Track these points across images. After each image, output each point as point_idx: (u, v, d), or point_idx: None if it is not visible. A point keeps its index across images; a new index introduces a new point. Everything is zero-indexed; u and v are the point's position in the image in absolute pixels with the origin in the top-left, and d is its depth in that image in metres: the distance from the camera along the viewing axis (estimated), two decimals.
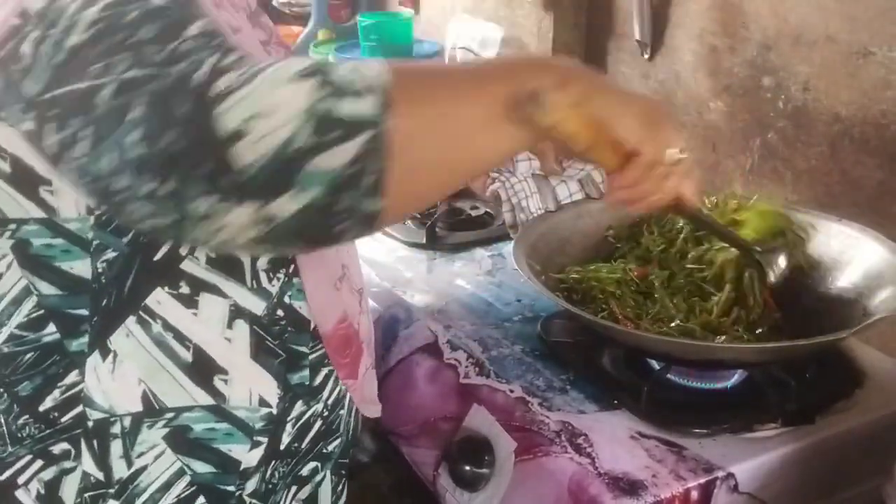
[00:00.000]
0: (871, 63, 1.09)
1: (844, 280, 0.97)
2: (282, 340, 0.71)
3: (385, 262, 1.21)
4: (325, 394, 0.76)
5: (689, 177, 0.72)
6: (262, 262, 0.69)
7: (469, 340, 1.01)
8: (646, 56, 1.44)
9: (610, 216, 1.12)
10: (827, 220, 1.02)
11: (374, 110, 0.51)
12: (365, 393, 0.82)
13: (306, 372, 0.74)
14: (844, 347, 0.98)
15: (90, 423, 0.67)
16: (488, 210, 1.34)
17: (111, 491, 0.68)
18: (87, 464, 0.68)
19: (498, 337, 1.02)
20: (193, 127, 0.49)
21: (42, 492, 0.68)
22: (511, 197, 1.03)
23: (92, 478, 0.68)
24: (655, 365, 0.93)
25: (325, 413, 0.77)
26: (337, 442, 0.80)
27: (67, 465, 0.68)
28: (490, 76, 0.60)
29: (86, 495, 0.68)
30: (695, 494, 0.79)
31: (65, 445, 0.68)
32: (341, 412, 0.79)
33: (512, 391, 0.91)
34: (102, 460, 0.68)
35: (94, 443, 0.68)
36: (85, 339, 0.66)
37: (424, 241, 1.25)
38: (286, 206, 0.50)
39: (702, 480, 0.79)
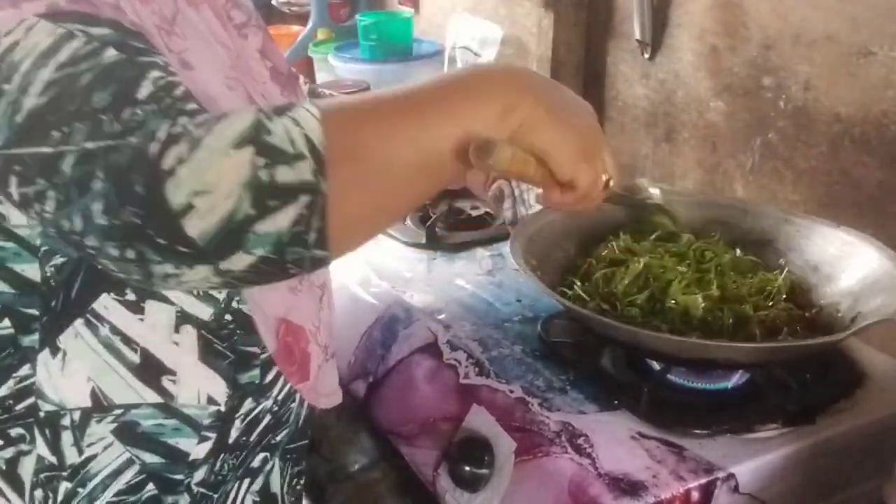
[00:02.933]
0: (872, 63, 1.09)
1: (842, 284, 0.97)
2: (230, 343, 0.74)
3: (385, 262, 1.21)
4: (276, 391, 0.79)
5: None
6: None
7: (469, 340, 1.00)
8: (646, 56, 1.44)
9: (608, 215, 1.12)
10: (826, 225, 1.02)
11: (308, 176, 0.53)
12: (320, 389, 0.84)
13: (256, 371, 0.76)
14: (845, 348, 0.98)
15: (42, 414, 0.70)
16: (488, 210, 1.34)
17: (64, 474, 0.72)
18: (42, 448, 0.71)
19: (498, 337, 1.02)
20: (149, 202, 0.52)
21: (4, 468, 0.72)
22: (515, 188, 1.03)
23: (46, 461, 0.71)
24: (656, 365, 0.92)
25: (275, 408, 0.80)
26: (285, 432, 0.83)
27: (24, 447, 0.71)
28: (434, 115, 0.60)
29: (41, 475, 0.71)
30: (695, 495, 0.79)
31: (20, 431, 0.71)
32: (292, 405, 0.82)
33: (512, 391, 0.91)
34: (55, 446, 0.71)
35: (47, 431, 0.70)
36: (36, 336, 0.68)
37: (424, 241, 1.25)
38: (239, 263, 0.54)
39: (702, 481, 0.79)
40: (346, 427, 1.08)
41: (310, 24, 2.10)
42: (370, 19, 1.86)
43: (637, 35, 1.43)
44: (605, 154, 0.73)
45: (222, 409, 0.74)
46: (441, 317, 1.06)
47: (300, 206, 0.53)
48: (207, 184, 0.52)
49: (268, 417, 0.79)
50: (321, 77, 1.95)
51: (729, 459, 0.81)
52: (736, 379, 0.92)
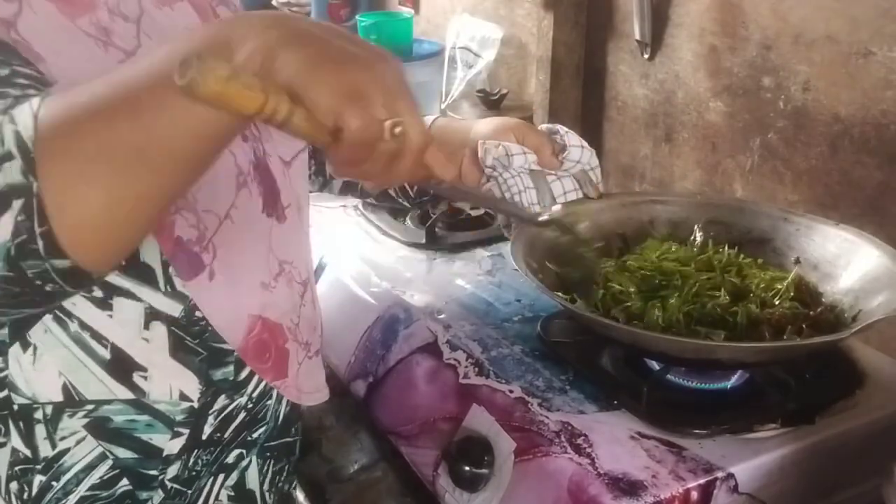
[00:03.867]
0: (872, 63, 1.09)
1: (843, 283, 0.97)
2: (202, 339, 0.73)
3: (385, 262, 1.21)
4: (251, 387, 0.78)
5: (426, 148, 0.56)
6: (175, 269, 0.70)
7: (469, 340, 1.01)
8: (646, 56, 1.44)
9: (609, 216, 1.12)
10: (825, 224, 1.02)
11: (18, 177, 0.49)
12: (303, 385, 0.83)
13: (230, 368, 0.76)
14: (844, 348, 0.98)
15: (15, 407, 0.70)
16: (488, 210, 1.34)
17: (38, 467, 0.72)
18: (16, 441, 0.71)
19: (498, 337, 1.02)
20: None
21: None
22: (504, 192, 1.01)
23: (20, 454, 0.71)
24: (655, 365, 0.92)
25: (250, 405, 0.79)
26: (262, 430, 0.83)
27: None
28: (146, 79, 0.51)
29: (16, 468, 0.72)
30: (694, 495, 0.79)
31: None
32: (268, 402, 0.82)
33: (511, 391, 0.91)
34: (28, 440, 0.71)
35: (21, 424, 0.70)
36: (5, 330, 0.68)
37: (424, 241, 1.25)
38: None
39: (701, 481, 0.79)
40: (346, 427, 1.09)
41: None
42: (370, 20, 1.86)
43: (637, 35, 1.43)
44: (398, 100, 0.53)
45: (195, 405, 0.74)
46: (441, 317, 1.06)
47: (15, 212, 0.49)
48: None
49: (242, 414, 0.79)
50: None
51: (728, 459, 0.81)
52: (735, 379, 0.92)
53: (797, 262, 1.02)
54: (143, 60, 0.52)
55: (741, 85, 1.29)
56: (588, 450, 0.82)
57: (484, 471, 0.85)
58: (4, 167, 0.49)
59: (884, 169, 1.11)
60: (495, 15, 1.78)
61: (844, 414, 0.89)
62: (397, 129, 0.53)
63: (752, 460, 0.82)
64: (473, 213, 1.35)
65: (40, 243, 0.50)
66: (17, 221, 0.49)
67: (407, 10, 2.02)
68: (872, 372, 0.96)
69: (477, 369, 0.95)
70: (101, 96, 0.51)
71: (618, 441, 0.84)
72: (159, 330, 0.71)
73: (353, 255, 1.23)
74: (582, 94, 1.61)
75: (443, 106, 1.79)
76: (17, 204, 0.49)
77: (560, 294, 0.94)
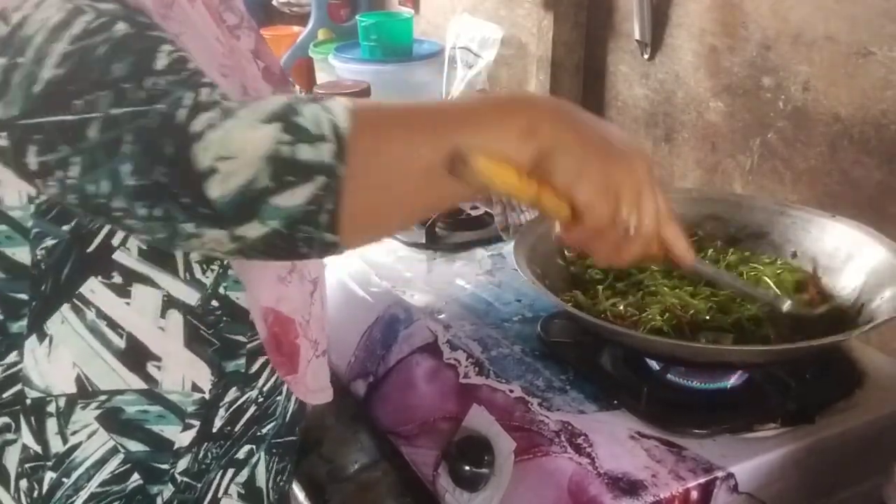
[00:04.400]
0: (871, 63, 1.09)
1: (844, 280, 0.97)
2: (216, 330, 0.74)
3: (385, 262, 1.21)
4: (261, 381, 0.79)
5: (668, 233, 0.66)
6: (195, 255, 0.72)
7: (469, 340, 1.01)
8: (646, 56, 1.44)
9: None
10: (821, 216, 1.02)
11: (329, 158, 0.55)
12: (310, 384, 0.84)
13: (242, 360, 0.77)
14: (844, 348, 0.98)
15: (28, 401, 0.71)
16: (488, 210, 1.34)
17: (49, 464, 0.72)
18: (27, 437, 0.71)
19: (498, 337, 1.02)
20: (177, 163, 0.55)
21: None
22: (502, 196, 1.02)
23: (31, 450, 0.72)
24: (655, 365, 0.93)
25: (260, 399, 0.80)
26: (271, 425, 0.83)
27: (9, 437, 0.72)
28: (456, 125, 0.60)
29: (26, 465, 0.72)
30: (694, 494, 0.79)
31: (6, 419, 0.71)
32: (278, 398, 0.82)
33: (511, 391, 0.91)
34: (40, 435, 0.71)
35: (32, 419, 0.71)
36: (24, 322, 0.69)
37: (424, 240, 1.25)
38: (252, 232, 0.56)
39: (701, 480, 0.79)
40: (346, 427, 1.09)
41: (310, 25, 2.10)
42: (370, 20, 1.86)
43: (637, 35, 1.43)
44: (645, 200, 0.62)
45: (206, 396, 0.74)
46: (441, 317, 1.06)
47: (316, 186, 0.55)
48: (232, 150, 0.54)
49: (253, 408, 0.79)
50: (321, 77, 1.95)
51: (728, 459, 0.82)
52: (735, 379, 0.92)
53: (794, 255, 1.03)
54: (442, 105, 0.64)
55: (741, 85, 1.29)
56: (588, 449, 0.82)
57: (484, 470, 0.85)
58: (318, 146, 0.55)
59: (883, 169, 1.11)
60: (495, 15, 1.78)
61: (844, 414, 0.89)
62: (632, 222, 0.62)
63: (751, 460, 0.82)
64: (473, 213, 1.35)
65: (325, 218, 0.56)
66: (315, 194, 0.55)
67: (407, 10, 2.02)
68: (872, 372, 0.96)
69: (477, 369, 0.96)
70: (407, 120, 0.60)
71: (618, 441, 0.84)
72: (175, 318, 0.72)
73: (353, 255, 1.23)
74: (582, 94, 1.61)
75: None
76: (319, 180, 0.55)
77: (560, 294, 0.94)
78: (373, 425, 1.06)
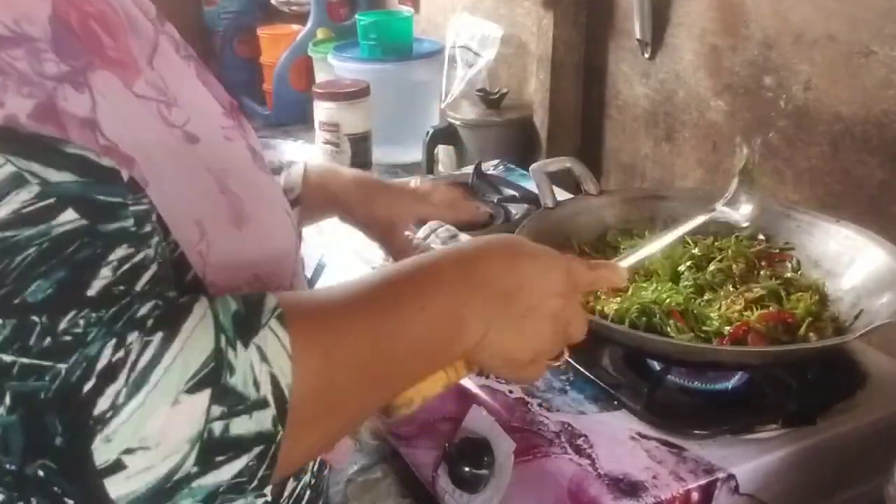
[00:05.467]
0: (873, 62, 1.09)
1: (845, 282, 0.96)
2: None
3: (385, 262, 1.21)
4: (311, 462, 0.73)
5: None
6: None
7: None
8: (646, 55, 1.44)
9: (610, 213, 1.12)
10: (826, 220, 1.02)
11: (268, 426, 0.46)
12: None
13: None
14: (846, 349, 0.97)
15: None
16: (488, 210, 1.34)
17: None
18: None
19: None
20: (65, 456, 0.42)
21: None
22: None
23: None
24: (656, 366, 0.92)
25: (313, 481, 0.73)
26: (320, 502, 0.77)
27: None
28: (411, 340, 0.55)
29: None
30: (695, 496, 0.78)
31: None
32: (325, 472, 0.77)
33: (511, 392, 0.91)
34: None
35: None
36: None
37: None
38: None
39: (702, 482, 0.79)
40: None
41: (309, 24, 2.10)
42: (370, 19, 1.85)
43: (637, 34, 1.43)
44: (574, 329, 0.65)
45: (269, 498, 0.66)
46: None
47: (250, 458, 0.46)
48: (146, 439, 0.43)
49: (308, 492, 0.72)
50: (321, 77, 1.94)
51: (729, 460, 0.81)
52: (736, 379, 0.92)
53: (798, 265, 1.02)
54: (398, 322, 0.55)
55: (742, 84, 1.29)
56: (588, 450, 0.82)
57: (484, 471, 0.85)
58: (256, 415, 0.45)
59: (885, 168, 1.10)
60: (495, 14, 1.78)
61: (845, 414, 0.89)
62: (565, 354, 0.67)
63: (752, 461, 0.82)
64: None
65: (254, 485, 0.47)
66: (248, 465, 0.46)
67: (407, 9, 2.01)
68: (874, 372, 0.95)
69: (476, 369, 0.95)
70: (362, 359, 0.52)
71: (618, 442, 0.83)
72: None
73: (353, 255, 1.23)
74: (582, 93, 1.60)
75: (443, 105, 1.79)
76: (256, 450, 0.46)
77: None
78: (373, 426, 1.06)
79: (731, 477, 0.80)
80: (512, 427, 0.86)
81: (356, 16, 1.93)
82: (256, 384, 0.46)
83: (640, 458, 0.81)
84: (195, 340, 0.45)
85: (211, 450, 0.44)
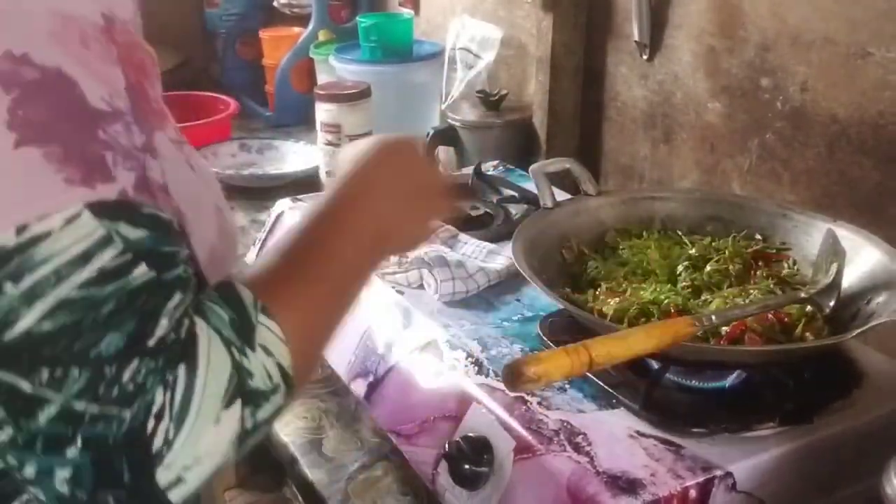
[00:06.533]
0: (870, 64, 1.10)
1: (843, 282, 0.97)
2: None
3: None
4: None
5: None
6: None
7: (468, 340, 1.01)
8: (645, 57, 1.45)
9: (608, 213, 1.13)
10: (822, 220, 1.03)
11: (282, 401, 0.55)
12: None
13: None
14: (843, 348, 0.98)
15: None
16: (488, 210, 1.35)
17: None
18: None
19: (497, 336, 1.02)
20: (134, 487, 0.49)
21: None
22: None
23: None
24: (654, 364, 0.93)
25: None
26: None
27: None
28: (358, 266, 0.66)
29: None
30: (693, 493, 0.79)
31: None
32: None
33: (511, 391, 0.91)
34: None
35: None
36: None
37: None
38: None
39: (700, 479, 0.79)
40: (346, 426, 1.09)
41: (310, 26, 2.11)
42: (370, 21, 1.86)
43: (636, 36, 1.43)
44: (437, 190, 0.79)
45: None
46: (440, 316, 1.06)
47: (269, 426, 0.56)
48: (200, 458, 0.50)
49: None
50: (322, 78, 1.95)
51: (726, 458, 0.82)
52: (733, 378, 0.92)
53: (794, 265, 1.03)
54: (345, 259, 0.65)
55: (739, 86, 1.29)
56: (587, 448, 0.83)
57: (483, 469, 0.86)
58: (273, 399, 0.54)
59: (881, 169, 1.11)
60: (495, 16, 1.79)
61: (842, 413, 0.89)
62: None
63: (750, 459, 0.82)
64: (473, 213, 1.35)
65: (257, 433, 0.55)
66: (258, 424, 0.55)
67: (407, 11, 2.02)
68: (870, 371, 0.96)
69: (476, 368, 0.96)
70: (328, 303, 0.62)
71: (616, 440, 0.84)
72: None
73: None
74: (581, 94, 1.61)
75: (443, 107, 1.80)
76: (273, 419, 0.56)
77: (560, 294, 0.94)
78: (373, 424, 1.06)
79: (728, 475, 0.81)
80: (511, 425, 0.87)
81: (357, 18, 1.93)
82: (269, 377, 0.54)
83: (639, 455, 0.82)
84: (215, 363, 0.51)
85: (245, 437, 0.53)
